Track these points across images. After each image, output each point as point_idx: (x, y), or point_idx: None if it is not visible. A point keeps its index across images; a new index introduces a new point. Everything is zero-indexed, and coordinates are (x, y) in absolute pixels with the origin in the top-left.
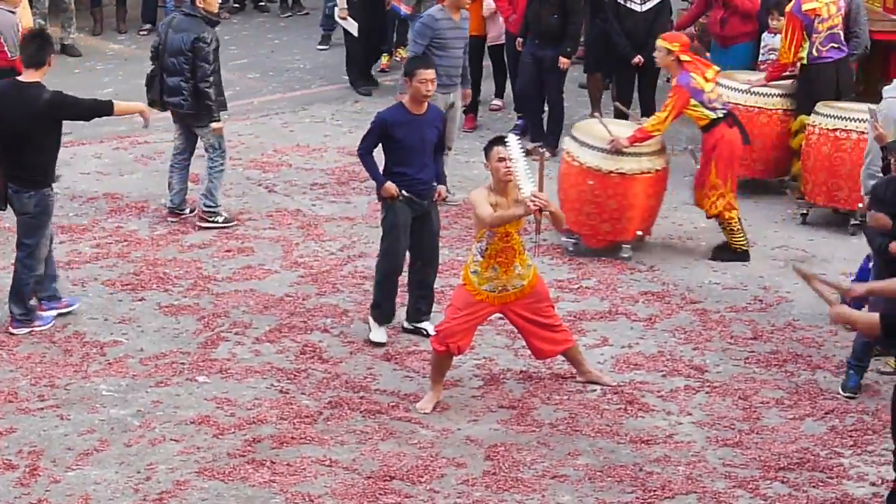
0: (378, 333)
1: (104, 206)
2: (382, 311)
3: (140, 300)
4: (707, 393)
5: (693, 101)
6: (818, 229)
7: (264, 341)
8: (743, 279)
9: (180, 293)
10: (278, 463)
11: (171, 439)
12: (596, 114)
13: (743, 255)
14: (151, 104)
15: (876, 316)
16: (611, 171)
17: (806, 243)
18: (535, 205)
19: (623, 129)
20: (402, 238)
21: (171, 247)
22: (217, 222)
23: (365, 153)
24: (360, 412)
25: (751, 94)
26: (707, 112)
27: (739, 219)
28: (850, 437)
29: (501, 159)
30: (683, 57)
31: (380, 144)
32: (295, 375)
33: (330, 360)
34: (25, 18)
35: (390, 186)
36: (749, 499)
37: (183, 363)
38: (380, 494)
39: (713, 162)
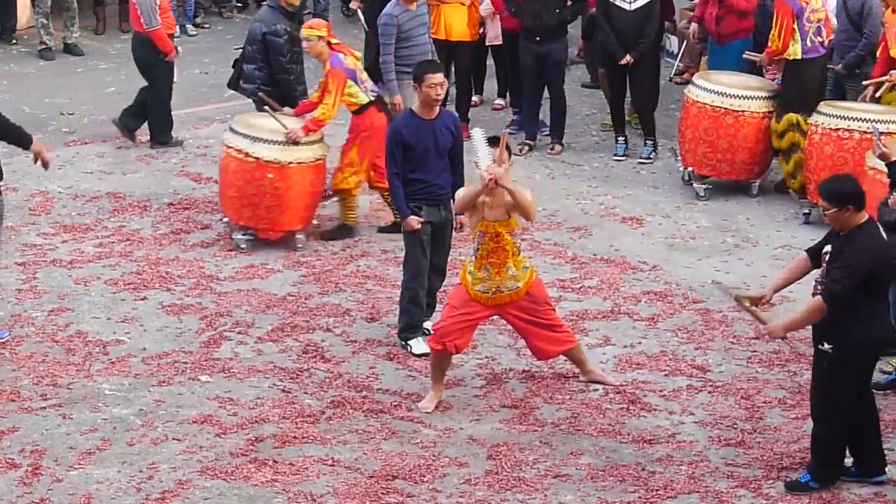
0: (419, 346)
1: (107, 205)
2: (413, 326)
3: (142, 299)
4: (709, 392)
5: (349, 82)
6: (820, 229)
7: (267, 340)
8: (745, 278)
9: (183, 292)
10: (280, 462)
11: (174, 438)
12: (266, 107)
13: (351, 231)
14: (229, 85)
15: (816, 300)
16: (290, 163)
17: (808, 243)
18: (489, 176)
19: (292, 120)
20: (425, 255)
21: (173, 246)
22: None
23: (392, 176)
24: (363, 411)
25: (718, 96)
26: (362, 96)
27: (356, 196)
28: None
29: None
30: (332, 40)
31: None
32: (297, 375)
33: (332, 359)
34: (25, 17)
35: (413, 221)
36: (752, 498)
37: (185, 362)
38: (382, 494)
39: (357, 141)
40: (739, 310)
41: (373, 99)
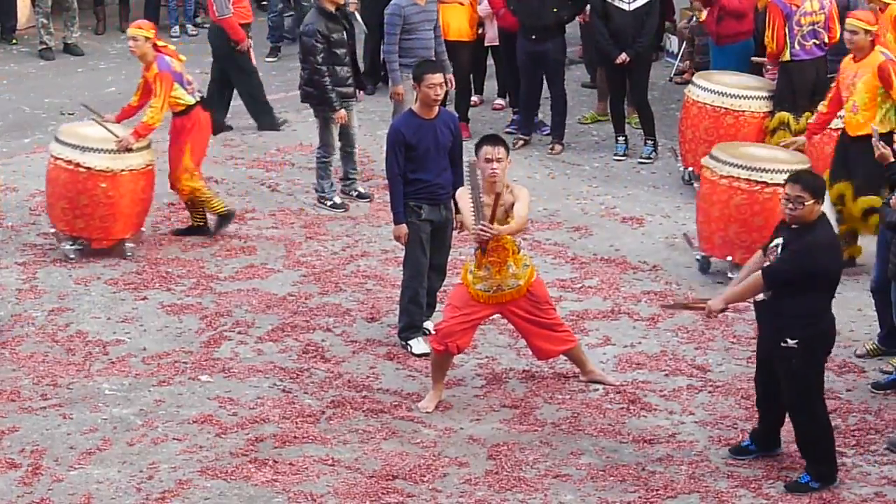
0: (419, 346)
1: None
2: (413, 326)
3: (143, 299)
4: (710, 392)
5: (175, 85)
6: None
7: (267, 340)
8: None
9: (183, 292)
10: (281, 462)
11: (174, 438)
12: (94, 116)
13: (230, 216)
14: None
15: (755, 275)
16: (122, 170)
17: None
18: (480, 238)
19: (119, 127)
20: (425, 255)
21: (173, 246)
22: (325, 205)
23: (393, 176)
24: (363, 411)
25: (718, 96)
26: (188, 97)
27: (207, 187)
28: (853, 436)
29: (489, 160)
30: (159, 43)
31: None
32: (297, 375)
33: (332, 359)
34: (25, 16)
35: (402, 231)
36: (752, 498)
37: (185, 362)
38: (382, 494)
39: (188, 145)
40: (742, 308)
41: (198, 100)
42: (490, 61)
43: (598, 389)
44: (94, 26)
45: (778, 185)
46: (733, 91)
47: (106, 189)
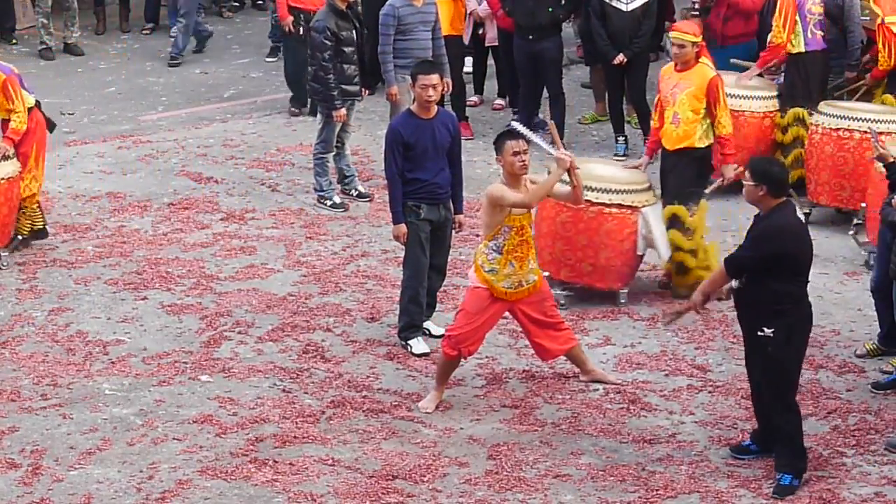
0: (419, 346)
1: (107, 204)
2: (413, 326)
3: (143, 299)
4: (710, 392)
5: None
6: (821, 229)
7: (267, 340)
8: None
9: (183, 292)
10: (281, 462)
11: (174, 438)
12: None
13: (42, 233)
14: None
15: (718, 267)
16: (1, 179)
17: None
18: (568, 157)
19: None
20: (425, 254)
21: (173, 246)
22: (325, 205)
23: (393, 175)
24: (363, 411)
25: None
26: (30, 98)
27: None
28: (853, 436)
29: (516, 153)
30: None
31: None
32: (297, 375)
33: (332, 359)
34: (25, 16)
35: (401, 231)
36: (752, 498)
37: (185, 362)
38: (382, 494)
39: (34, 146)
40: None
41: (36, 103)
42: (490, 61)
43: (598, 389)
44: (94, 26)
45: (603, 204)
46: (733, 91)
47: None
